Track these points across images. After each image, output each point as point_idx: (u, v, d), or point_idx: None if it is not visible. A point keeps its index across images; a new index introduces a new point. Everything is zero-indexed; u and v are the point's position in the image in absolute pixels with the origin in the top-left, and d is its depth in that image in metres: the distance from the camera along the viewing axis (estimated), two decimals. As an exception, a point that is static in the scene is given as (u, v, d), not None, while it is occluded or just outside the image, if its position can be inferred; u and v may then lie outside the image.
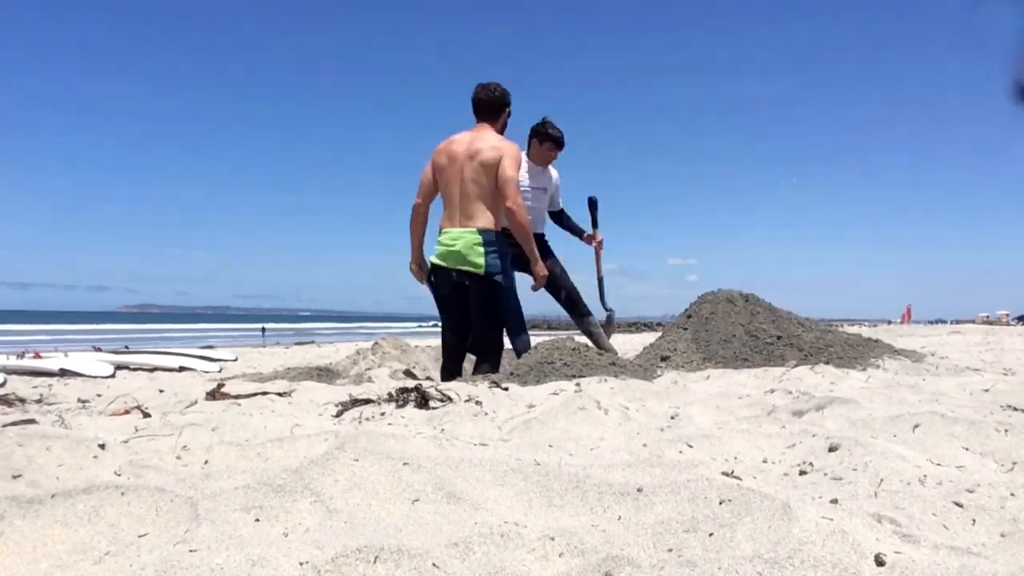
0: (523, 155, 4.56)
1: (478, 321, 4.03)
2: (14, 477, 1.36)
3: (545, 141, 4.77)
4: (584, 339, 4.54)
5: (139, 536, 1.14)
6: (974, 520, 1.20)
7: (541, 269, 4.15)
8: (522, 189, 4.45)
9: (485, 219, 3.93)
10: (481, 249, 3.89)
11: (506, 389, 2.95)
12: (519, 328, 4.16)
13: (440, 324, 4.25)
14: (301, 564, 0.98)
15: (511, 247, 4.10)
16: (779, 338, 4.49)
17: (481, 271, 3.89)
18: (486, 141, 3.97)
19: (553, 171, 4.97)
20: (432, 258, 4.09)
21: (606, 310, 5.23)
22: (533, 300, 4.53)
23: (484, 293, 3.97)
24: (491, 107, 4.12)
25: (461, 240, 3.92)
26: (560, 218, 5.21)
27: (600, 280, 5.29)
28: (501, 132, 4.16)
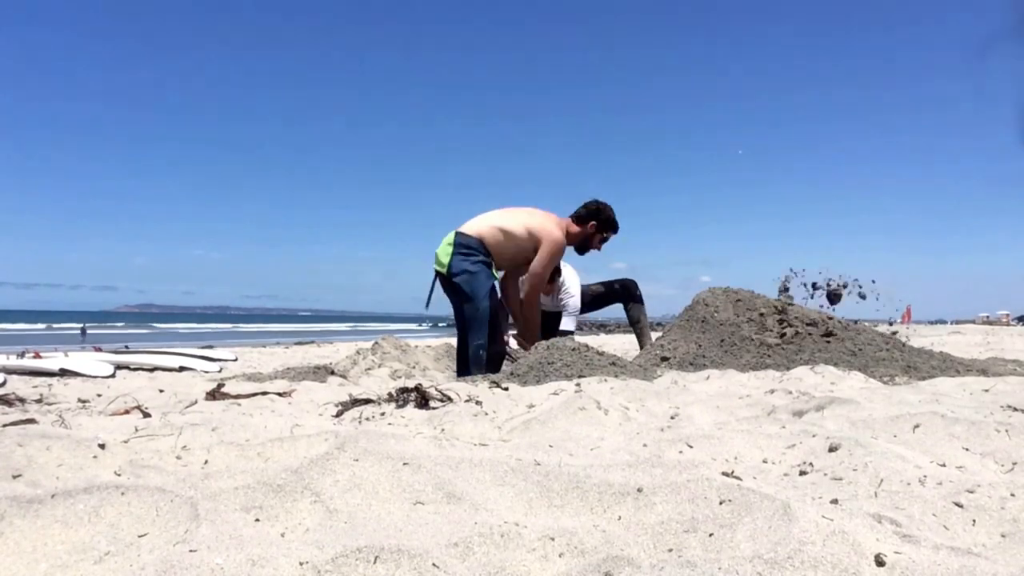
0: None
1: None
2: (14, 477, 1.36)
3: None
4: (583, 340, 4.57)
5: (139, 536, 1.14)
6: (974, 520, 1.19)
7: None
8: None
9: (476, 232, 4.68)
10: (450, 250, 4.52)
11: (506, 389, 2.95)
12: None
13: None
14: (301, 564, 0.98)
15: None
16: (782, 336, 4.48)
17: (444, 270, 4.52)
18: (545, 221, 4.81)
19: (565, 275, 5.44)
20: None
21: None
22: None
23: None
24: (579, 216, 4.89)
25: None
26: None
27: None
28: (585, 238, 4.94)
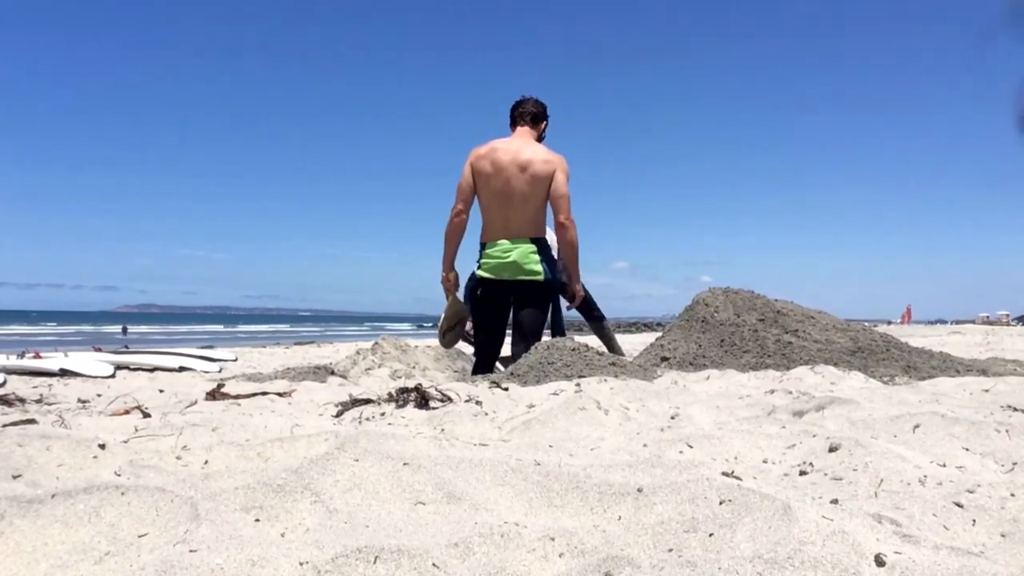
0: None
1: (529, 327, 4.12)
2: (14, 477, 1.36)
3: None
4: (583, 340, 4.56)
5: (139, 536, 1.14)
6: (974, 520, 1.19)
7: (580, 290, 4.32)
8: None
9: (535, 230, 4.07)
10: (537, 257, 4.03)
11: (506, 389, 2.94)
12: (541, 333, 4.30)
13: (475, 333, 4.33)
14: (301, 564, 0.98)
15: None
16: (784, 336, 4.48)
17: (540, 278, 4.04)
18: (536, 152, 4.03)
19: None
20: (479, 272, 4.15)
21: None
22: None
23: (540, 298, 4.13)
24: (536, 116, 4.26)
25: (516, 251, 4.02)
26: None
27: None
28: (540, 141, 4.27)
